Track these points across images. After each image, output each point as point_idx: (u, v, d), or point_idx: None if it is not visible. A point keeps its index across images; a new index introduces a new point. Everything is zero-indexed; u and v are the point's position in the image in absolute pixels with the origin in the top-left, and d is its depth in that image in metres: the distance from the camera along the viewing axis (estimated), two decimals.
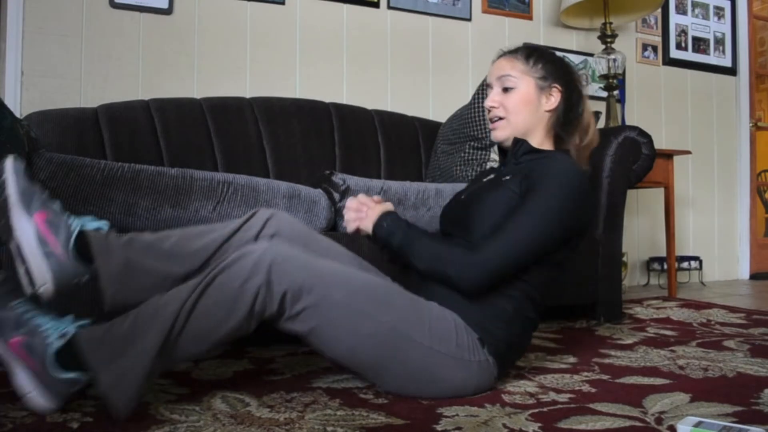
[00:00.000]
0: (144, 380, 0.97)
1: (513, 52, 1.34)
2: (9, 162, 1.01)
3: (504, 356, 1.19)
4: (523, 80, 1.29)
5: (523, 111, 1.29)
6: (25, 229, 0.99)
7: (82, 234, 1.03)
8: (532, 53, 1.32)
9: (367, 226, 1.29)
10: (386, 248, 1.28)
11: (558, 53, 1.39)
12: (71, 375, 0.97)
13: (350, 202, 1.34)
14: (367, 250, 1.42)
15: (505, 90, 1.30)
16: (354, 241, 1.44)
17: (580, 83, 1.34)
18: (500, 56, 1.36)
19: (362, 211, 1.31)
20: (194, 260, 1.13)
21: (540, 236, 1.15)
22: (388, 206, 1.32)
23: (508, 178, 1.25)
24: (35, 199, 1.01)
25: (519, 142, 1.31)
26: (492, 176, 1.34)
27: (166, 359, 1.00)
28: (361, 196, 1.34)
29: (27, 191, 1.01)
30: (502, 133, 1.32)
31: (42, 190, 1.04)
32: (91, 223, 1.07)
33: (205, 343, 1.03)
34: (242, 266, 1.02)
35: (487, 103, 1.33)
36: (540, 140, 1.32)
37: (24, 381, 0.97)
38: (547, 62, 1.31)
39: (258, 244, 1.06)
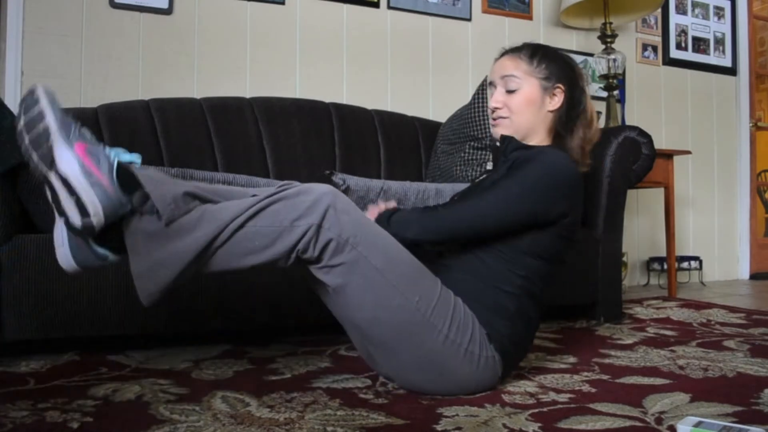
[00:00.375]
0: (174, 278, 0.99)
1: (516, 51, 1.33)
2: (41, 90, 0.97)
3: (508, 354, 1.20)
4: (527, 81, 1.29)
5: (526, 112, 1.30)
6: (70, 159, 0.95)
7: (121, 165, 1.00)
8: (535, 53, 1.31)
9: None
10: None
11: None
12: (104, 252, 1.01)
13: (371, 206, 1.40)
14: None
15: (509, 91, 1.30)
16: None
17: (582, 79, 1.34)
18: (503, 54, 1.35)
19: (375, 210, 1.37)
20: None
21: (501, 210, 1.18)
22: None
23: (496, 174, 1.29)
24: (73, 128, 0.98)
25: (506, 140, 1.32)
26: (484, 176, 1.35)
27: (199, 265, 1.01)
28: (380, 202, 1.40)
29: (65, 120, 0.97)
30: (503, 130, 1.33)
31: (75, 119, 1.00)
32: (125, 155, 1.03)
33: (241, 264, 1.03)
34: (300, 202, 1.03)
35: (491, 103, 1.33)
36: (540, 139, 1.32)
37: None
38: (550, 62, 1.30)
39: (321, 185, 1.07)
